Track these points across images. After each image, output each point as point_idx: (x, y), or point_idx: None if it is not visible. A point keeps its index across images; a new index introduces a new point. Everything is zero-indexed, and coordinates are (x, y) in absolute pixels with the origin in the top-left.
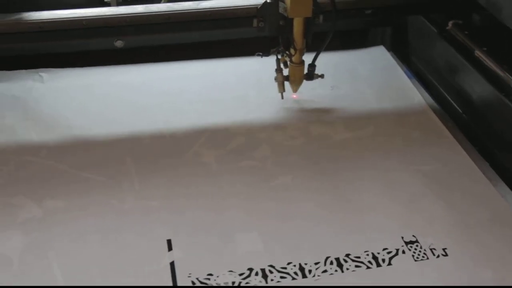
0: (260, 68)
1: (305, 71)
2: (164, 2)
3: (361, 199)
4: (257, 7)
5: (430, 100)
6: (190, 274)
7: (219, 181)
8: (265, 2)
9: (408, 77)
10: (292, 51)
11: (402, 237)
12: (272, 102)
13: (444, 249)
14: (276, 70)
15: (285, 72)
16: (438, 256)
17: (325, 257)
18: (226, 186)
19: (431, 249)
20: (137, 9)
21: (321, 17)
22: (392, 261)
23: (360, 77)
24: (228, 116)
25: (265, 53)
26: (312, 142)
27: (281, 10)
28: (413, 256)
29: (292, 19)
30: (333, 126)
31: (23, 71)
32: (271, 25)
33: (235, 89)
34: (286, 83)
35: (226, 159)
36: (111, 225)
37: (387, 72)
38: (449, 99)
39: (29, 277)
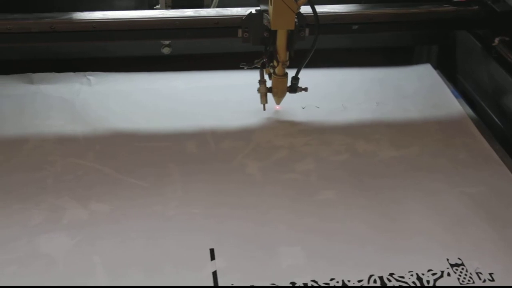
0: (303, 81)
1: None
2: (214, 7)
3: (406, 219)
4: (242, 18)
5: (478, 120)
6: (232, 284)
7: (263, 193)
8: (250, 13)
9: (455, 96)
10: (275, 63)
11: (448, 259)
12: (318, 115)
13: (490, 274)
14: (259, 81)
15: (269, 83)
16: (484, 281)
17: (368, 275)
18: (270, 198)
19: (477, 273)
20: (187, 13)
21: (306, 31)
22: (437, 283)
23: (406, 95)
24: (272, 128)
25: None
26: (357, 159)
27: (265, 21)
28: (458, 279)
29: (276, 31)
30: (378, 143)
31: (71, 73)
32: (256, 36)
33: (283, 102)
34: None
35: (270, 171)
36: (154, 231)
37: (433, 91)
38: (496, 120)
39: (73, 279)
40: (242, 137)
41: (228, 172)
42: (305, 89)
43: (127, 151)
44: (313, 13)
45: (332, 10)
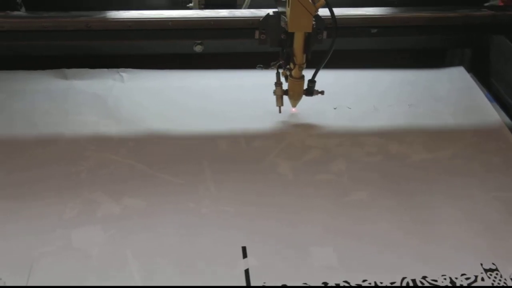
0: (334, 82)
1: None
2: (246, 7)
3: (439, 223)
4: (259, 19)
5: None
6: (264, 282)
7: (295, 193)
8: (267, 14)
9: (489, 100)
10: (291, 65)
11: (481, 264)
12: (350, 116)
13: None
14: (276, 83)
15: (286, 86)
16: None
17: (401, 278)
18: (302, 198)
19: None
20: (221, 13)
21: (324, 33)
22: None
23: (438, 97)
24: (304, 128)
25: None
26: (389, 161)
27: (282, 23)
28: (492, 284)
29: (293, 34)
30: (411, 145)
31: (105, 70)
32: (273, 38)
33: (313, 101)
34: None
35: (302, 170)
36: (187, 227)
37: (466, 94)
38: None
39: (107, 273)
40: (273, 136)
41: (259, 171)
42: (322, 92)
43: (159, 147)
44: (330, 15)
45: (351, 13)
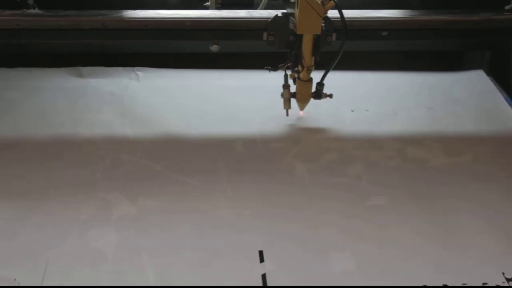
0: (352, 84)
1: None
2: (261, 8)
3: (459, 230)
4: (267, 20)
5: None
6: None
7: (313, 196)
8: (276, 15)
9: (509, 104)
10: (300, 68)
11: (503, 273)
12: (368, 118)
13: None
14: (283, 86)
15: (294, 88)
16: None
17: (421, 285)
18: (320, 202)
19: None
20: (239, 13)
21: (334, 35)
22: None
23: (457, 101)
24: (321, 129)
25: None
26: (408, 164)
27: (291, 25)
28: None
29: (301, 35)
30: (430, 149)
31: (120, 68)
32: (281, 40)
33: (330, 103)
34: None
35: (319, 173)
36: (204, 230)
37: (486, 98)
38: None
39: (122, 275)
40: (290, 138)
41: (276, 173)
42: (330, 96)
43: (175, 148)
44: (340, 17)
45: (361, 15)
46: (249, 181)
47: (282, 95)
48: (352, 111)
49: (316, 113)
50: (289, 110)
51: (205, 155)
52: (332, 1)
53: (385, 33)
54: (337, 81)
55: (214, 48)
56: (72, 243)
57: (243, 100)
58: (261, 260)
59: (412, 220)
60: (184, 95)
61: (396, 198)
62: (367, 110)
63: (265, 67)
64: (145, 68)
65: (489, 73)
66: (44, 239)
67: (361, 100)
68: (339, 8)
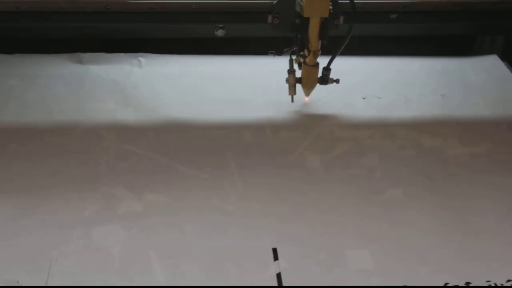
0: (359, 70)
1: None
2: None
3: (480, 222)
4: (272, 2)
5: None
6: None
7: (326, 190)
8: None
9: None
10: (306, 52)
11: None
12: (380, 106)
13: None
14: (288, 71)
15: (299, 73)
16: None
17: (443, 283)
18: (334, 196)
19: None
20: None
21: (341, 19)
22: None
23: (472, 87)
24: (333, 118)
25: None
26: (423, 155)
27: (297, 7)
28: None
29: (308, 18)
30: (446, 139)
31: (122, 54)
32: (286, 23)
33: (341, 90)
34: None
35: (332, 165)
36: (214, 226)
37: (501, 83)
38: None
39: (129, 274)
40: (301, 126)
41: (288, 165)
42: (337, 81)
43: (181, 138)
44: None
45: None
46: (260, 175)
47: (287, 80)
48: (364, 98)
49: (326, 100)
50: (294, 96)
51: (213, 146)
52: None
53: (394, 16)
54: (345, 66)
55: (220, 32)
56: (76, 242)
57: (249, 87)
58: (275, 258)
59: (431, 214)
60: (189, 82)
61: (413, 192)
62: (379, 98)
63: (269, 52)
64: (147, 54)
65: (503, 57)
66: (48, 239)
67: (371, 87)
68: None
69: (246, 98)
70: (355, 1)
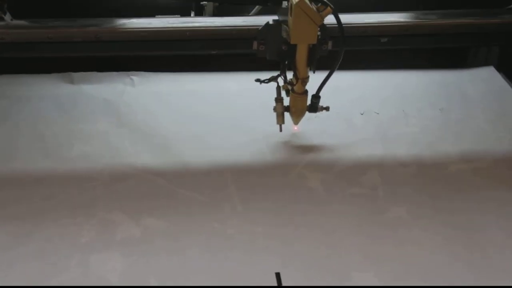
0: (356, 84)
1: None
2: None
3: (486, 239)
4: (258, 28)
5: None
6: None
7: (328, 210)
8: (267, 23)
9: None
10: (293, 79)
11: None
12: (379, 122)
13: None
14: (276, 99)
15: (287, 101)
16: None
17: None
18: (336, 217)
19: None
20: (241, 21)
21: (329, 44)
22: None
23: (471, 100)
24: (332, 135)
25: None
26: (425, 172)
27: (283, 33)
28: None
29: (295, 45)
30: (447, 154)
31: (114, 73)
32: (272, 49)
33: (338, 105)
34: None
35: (333, 184)
36: (214, 251)
37: (500, 96)
38: None
39: None
40: (300, 145)
41: (288, 185)
42: (327, 108)
43: (177, 159)
44: (337, 24)
45: (359, 21)
46: (260, 196)
47: (275, 109)
48: (362, 114)
49: (324, 116)
50: (283, 125)
51: (211, 167)
52: (329, 7)
53: (384, 40)
54: (341, 81)
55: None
56: (73, 270)
57: (245, 104)
58: (279, 283)
59: (437, 233)
60: (184, 101)
61: (417, 211)
62: (378, 113)
63: (255, 80)
64: (140, 72)
65: (499, 68)
66: (43, 268)
67: (369, 102)
68: (337, 14)
69: (242, 116)
70: (344, 25)
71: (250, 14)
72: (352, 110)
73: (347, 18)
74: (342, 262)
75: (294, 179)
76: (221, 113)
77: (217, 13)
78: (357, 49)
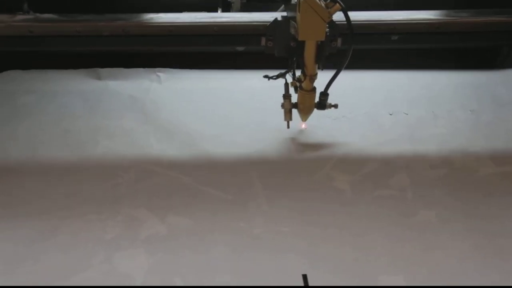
0: (384, 84)
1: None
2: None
3: None
4: (266, 25)
5: None
6: None
7: (356, 212)
8: (275, 19)
9: None
10: (302, 76)
11: None
12: (408, 123)
13: None
14: (284, 96)
15: (295, 98)
16: None
17: None
18: (364, 219)
19: None
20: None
21: (339, 41)
22: None
23: (502, 102)
24: (360, 135)
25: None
26: (455, 175)
27: (292, 30)
28: None
29: (303, 41)
30: (478, 157)
31: (140, 69)
32: (280, 46)
33: (367, 106)
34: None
35: (361, 185)
36: (240, 251)
37: None
38: None
39: None
40: (327, 145)
41: (315, 185)
42: (335, 106)
43: (203, 157)
44: (346, 21)
45: (370, 17)
46: (286, 196)
47: (283, 105)
48: (391, 114)
49: (352, 117)
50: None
51: (236, 165)
52: (337, 3)
53: (395, 37)
54: (368, 81)
55: (240, 47)
56: (99, 266)
57: (272, 103)
58: (306, 284)
59: (467, 238)
60: (209, 99)
61: (446, 214)
62: (406, 114)
63: (264, 76)
64: (166, 69)
65: None
66: (68, 263)
67: (397, 102)
68: (345, 11)
69: (268, 115)
70: (353, 22)
71: (278, 11)
72: (380, 111)
73: (357, 15)
74: (370, 265)
75: (321, 179)
76: (246, 111)
77: (244, 9)
78: (381, 48)
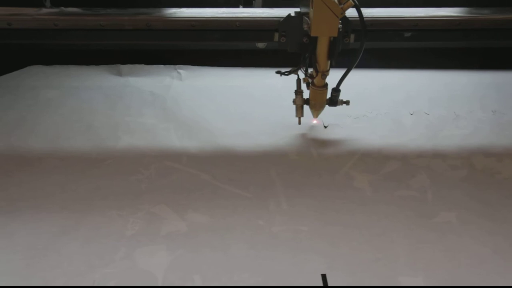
0: (404, 83)
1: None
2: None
3: None
4: (279, 20)
5: None
6: None
7: (376, 211)
8: (289, 15)
9: None
10: (314, 72)
11: None
12: (428, 123)
13: None
14: (296, 92)
15: (307, 94)
16: None
17: None
18: (384, 218)
19: None
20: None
21: (352, 37)
22: None
23: None
24: (379, 135)
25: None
26: (476, 176)
27: (305, 26)
28: None
29: (316, 37)
30: (500, 159)
31: (161, 66)
32: (293, 42)
33: (387, 105)
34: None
35: (381, 185)
36: (260, 250)
37: None
38: None
39: None
40: (346, 144)
41: (334, 185)
42: (347, 102)
43: (223, 155)
44: (359, 17)
45: (382, 14)
46: (306, 195)
47: (294, 101)
48: (411, 114)
49: (372, 116)
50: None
51: (256, 163)
52: (350, 0)
53: (408, 34)
54: (389, 80)
55: (261, 45)
56: (120, 263)
57: (291, 101)
58: (325, 284)
59: (488, 241)
60: (230, 96)
61: (467, 216)
62: (427, 113)
63: (276, 72)
64: (187, 66)
65: None
66: (90, 258)
67: (417, 102)
68: (358, 7)
69: (288, 114)
70: (365, 18)
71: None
72: (400, 110)
73: (369, 12)
74: (389, 266)
75: (341, 178)
76: (266, 109)
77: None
78: (398, 46)
